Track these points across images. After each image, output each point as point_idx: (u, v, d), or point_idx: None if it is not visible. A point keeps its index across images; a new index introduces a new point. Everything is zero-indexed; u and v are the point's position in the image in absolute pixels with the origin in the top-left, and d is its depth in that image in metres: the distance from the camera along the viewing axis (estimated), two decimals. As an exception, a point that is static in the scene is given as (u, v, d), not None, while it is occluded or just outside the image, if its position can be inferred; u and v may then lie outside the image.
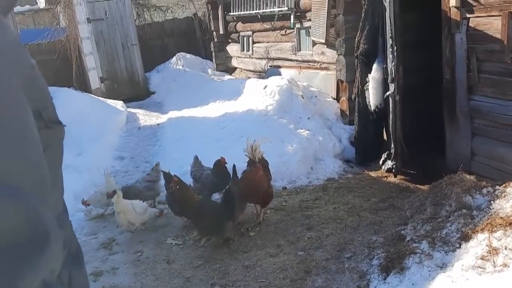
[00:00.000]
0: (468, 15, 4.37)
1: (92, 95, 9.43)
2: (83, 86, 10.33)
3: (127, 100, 9.96)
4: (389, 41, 4.92)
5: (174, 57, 11.82)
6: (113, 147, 6.94)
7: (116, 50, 10.63)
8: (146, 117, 8.97)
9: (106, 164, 5.46)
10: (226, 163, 4.63)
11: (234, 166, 4.38)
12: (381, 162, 5.48)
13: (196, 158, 4.92)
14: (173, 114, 8.39)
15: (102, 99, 9.18)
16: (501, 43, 4.07)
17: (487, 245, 2.84)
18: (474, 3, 4.26)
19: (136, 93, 10.74)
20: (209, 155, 5.09)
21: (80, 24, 10.01)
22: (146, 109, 9.69)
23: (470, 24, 4.38)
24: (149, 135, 7.69)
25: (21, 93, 0.65)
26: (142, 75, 11.06)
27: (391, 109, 5.13)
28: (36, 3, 13.38)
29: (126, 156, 6.77)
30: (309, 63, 7.64)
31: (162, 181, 4.56)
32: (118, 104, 9.15)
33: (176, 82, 10.59)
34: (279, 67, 8.69)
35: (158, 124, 8.23)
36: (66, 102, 6.96)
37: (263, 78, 8.77)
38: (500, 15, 4.04)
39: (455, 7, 4.42)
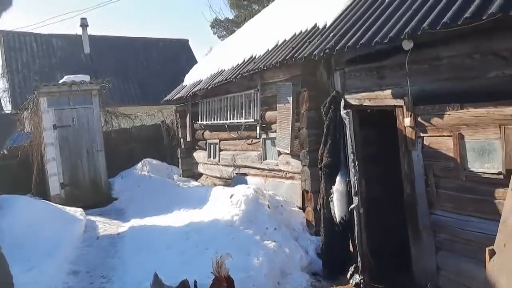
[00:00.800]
0: (422, 134, 4.66)
1: (50, 202, 9.08)
2: (43, 192, 9.99)
3: (88, 207, 9.62)
4: (351, 156, 5.12)
5: (140, 162, 11.81)
6: (68, 259, 6.49)
7: (80, 156, 10.54)
8: (106, 226, 8.60)
9: (58, 281, 5.05)
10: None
11: (195, 282, 4.15)
12: (348, 275, 5.36)
13: (155, 276, 4.63)
14: (135, 222, 8.11)
15: (61, 206, 8.83)
16: (455, 161, 4.30)
17: None
18: (427, 124, 4.57)
19: (98, 200, 10.44)
20: (172, 270, 4.81)
21: (45, 131, 10.01)
22: (107, 217, 9.34)
23: (425, 143, 4.65)
24: (108, 246, 7.30)
25: None
26: (105, 181, 10.87)
27: (356, 222, 5.16)
28: (2, 109, 13.38)
29: (81, 270, 6.31)
30: (275, 172, 7.78)
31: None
32: (77, 211, 8.80)
33: (140, 188, 10.44)
34: (246, 174, 8.79)
35: (118, 234, 7.88)
36: (20, 211, 6.65)
37: (229, 185, 8.80)
38: (451, 135, 4.33)
39: (410, 126, 4.72)
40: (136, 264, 5.80)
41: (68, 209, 8.77)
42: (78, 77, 10.73)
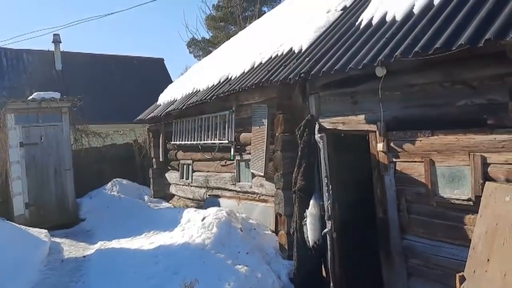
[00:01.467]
0: (394, 160, 4.71)
1: (13, 223, 8.70)
2: (6, 213, 9.57)
3: (53, 228, 9.28)
4: (324, 180, 5.11)
5: (110, 182, 11.53)
6: (30, 284, 6.19)
7: (48, 175, 10.21)
8: (72, 248, 8.29)
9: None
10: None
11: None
12: (321, 301, 5.29)
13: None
14: (102, 245, 7.86)
15: (24, 227, 8.48)
16: (426, 187, 4.36)
17: None
18: (399, 149, 4.64)
19: (65, 221, 10.08)
20: (139, 295, 4.64)
21: (11, 148, 9.68)
22: (73, 239, 9.01)
23: (397, 168, 4.70)
24: (73, 270, 7.00)
25: None
26: (73, 201, 10.54)
27: (329, 246, 5.12)
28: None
29: (44, 295, 6.03)
30: (248, 195, 7.70)
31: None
32: (42, 233, 8.46)
33: (109, 209, 10.16)
34: (219, 196, 8.67)
35: (84, 257, 7.59)
36: (-19, 232, 6.32)
37: (202, 207, 8.66)
38: (422, 161, 4.39)
39: (383, 151, 4.77)
40: (102, 289, 5.57)
41: (32, 230, 8.44)
42: (48, 94, 10.48)
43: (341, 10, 6.57)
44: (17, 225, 8.56)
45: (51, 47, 20.31)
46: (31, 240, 7.77)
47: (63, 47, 20.39)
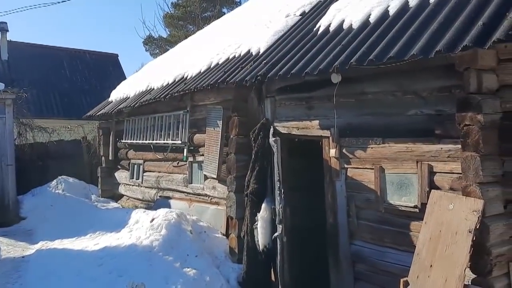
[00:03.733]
0: (346, 166, 4.79)
1: None
2: None
3: (-10, 227, 8.73)
4: (277, 184, 5.11)
5: (55, 180, 11.01)
6: (-40, 286, 5.77)
7: (-14, 169, 9.60)
8: (10, 248, 7.82)
9: None
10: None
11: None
12: (269, 305, 5.27)
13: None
14: (43, 245, 7.46)
15: (-43, 225, 7.91)
16: (375, 193, 4.45)
17: None
18: (351, 156, 4.71)
19: (3, 219, 9.50)
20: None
21: None
22: (11, 238, 8.50)
23: (348, 174, 4.78)
24: (10, 271, 6.59)
25: None
26: (13, 199, 9.96)
27: (279, 251, 5.12)
28: None
29: (-25, 298, 5.63)
30: (200, 197, 7.58)
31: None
32: (-23, 231, 7.94)
33: (53, 208, 9.68)
34: (169, 198, 8.48)
35: (23, 257, 7.17)
36: None
37: (151, 207, 8.43)
38: (373, 168, 4.48)
39: (335, 157, 4.83)
40: (40, 292, 5.28)
41: (-34, 228, 7.89)
42: (-9, 84, 9.88)
43: (300, 15, 6.63)
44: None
45: (-3, 35, 19.21)
46: (-36, 239, 7.26)
47: (10, 36, 19.34)
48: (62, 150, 12.19)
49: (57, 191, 10.63)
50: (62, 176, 11.18)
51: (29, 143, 11.26)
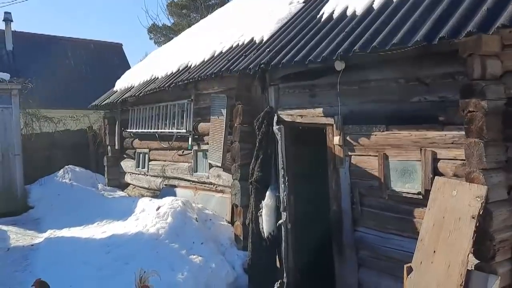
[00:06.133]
0: (350, 153, 4.79)
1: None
2: None
3: (-1, 215, 8.85)
4: (281, 172, 5.14)
5: (62, 169, 11.11)
6: (-29, 273, 5.88)
7: (-6, 160, 9.71)
8: (19, 236, 7.95)
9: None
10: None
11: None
12: (274, 291, 5.33)
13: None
14: (51, 233, 7.56)
15: (-33, 214, 8.04)
16: (379, 180, 4.46)
17: None
18: (355, 143, 4.72)
19: (12, 208, 9.63)
20: (88, 286, 4.49)
21: (-46, 130, 9.11)
22: (20, 227, 8.63)
23: (352, 161, 4.79)
24: (19, 259, 6.71)
25: None
26: (21, 188, 10.09)
27: (283, 238, 5.17)
28: None
29: (-14, 285, 5.74)
30: (205, 185, 7.63)
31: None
32: (-14, 220, 8.06)
33: (60, 197, 9.79)
34: (175, 186, 8.55)
35: (32, 245, 7.29)
36: None
37: (157, 196, 8.51)
38: (376, 155, 4.49)
39: (339, 145, 4.84)
40: (49, 280, 5.34)
41: (-24, 217, 8.01)
42: (-3, 75, 9.94)
43: (303, 2, 6.58)
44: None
45: (2, 26, 19.22)
46: (-26, 228, 7.38)
47: (14, 26, 19.34)
48: (68, 140, 12.27)
49: (64, 180, 10.74)
50: (68, 166, 11.29)
51: (35, 133, 11.33)
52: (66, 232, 7.41)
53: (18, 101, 10.07)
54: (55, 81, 18.07)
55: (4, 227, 8.37)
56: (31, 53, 18.74)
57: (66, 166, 11.26)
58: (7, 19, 19.05)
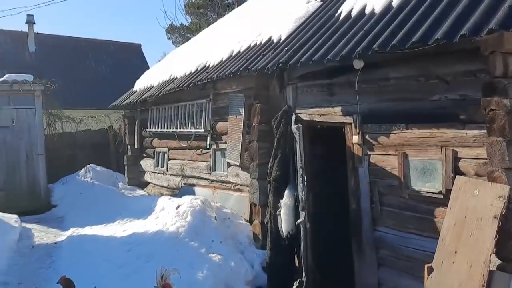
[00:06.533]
0: (369, 152, 4.76)
1: (-19, 209, 8.47)
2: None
3: (24, 214, 9.07)
4: (299, 171, 5.14)
5: (83, 168, 11.32)
6: (-1, 270, 6.05)
7: (19, 159, 9.97)
8: (42, 234, 8.14)
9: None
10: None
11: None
12: (293, 290, 5.34)
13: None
14: (74, 231, 7.73)
15: (-7, 212, 8.26)
16: (398, 179, 4.43)
17: None
18: (374, 142, 4.69)
19: (36, 206, 9.88)
20: (110, 283, 4.59)
21: (-20, 131, 9.39)
22: (44, 225, 8.84)
23: (371, 160, 4.76)
24: (44, 256, 6.89)
25: None
26: (45, 187, 10.33)
27: (302, 237, 5.17)
28: None
29: (12, 281, 5.90)
30: (223, 184, 7.68)
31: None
32: (12, 218, 8.27)
33: (82, 196, 9.99)
34: (194, 185, 8.62)
35: (55, 243, 7.47)
36: None
37: (176, 195, 8.60)
38: (396, 154, 4.45)
39: (358, 144, 4.82)
40: (72, 277, 5.46)
41: (2, 215, 8.23)
42: (21, 76, 10.19)
43: (321, 1, 6.55)
44: (-15, 211, 8.34)
45: (25, 28, 19.68)
46: (1, 226, 7.59)
47: (37, 28, 19.79)
48: (89, 139, 12.51)
49: (85, 179, 10.95)
50: (90, 165, 11.50)
51: (58, 133, 11.58)
52: (88, 230, 7.56)
53: (41, 102, 10.31)
54: (76, 81, 18.44)
55: (29, 225, 8.58)
56: (53, 54, 19.14)
57: (88, 165, 11.47)
58: (30, 21, 19.51)
